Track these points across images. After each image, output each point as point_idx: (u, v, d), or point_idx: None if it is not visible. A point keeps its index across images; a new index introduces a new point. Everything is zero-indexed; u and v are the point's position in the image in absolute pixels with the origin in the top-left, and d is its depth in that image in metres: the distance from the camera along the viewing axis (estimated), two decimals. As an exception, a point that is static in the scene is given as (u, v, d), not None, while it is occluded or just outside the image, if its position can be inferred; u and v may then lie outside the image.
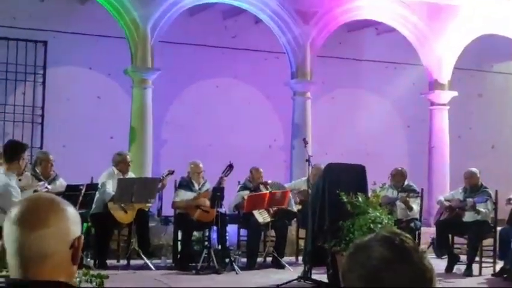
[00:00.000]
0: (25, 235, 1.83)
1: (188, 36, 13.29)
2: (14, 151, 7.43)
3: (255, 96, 14.29)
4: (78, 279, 5.64)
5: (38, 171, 9.11)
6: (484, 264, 9.61)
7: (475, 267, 9.52)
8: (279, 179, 11.46)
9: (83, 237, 1.93)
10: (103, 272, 6.52)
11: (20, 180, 7.58)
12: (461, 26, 13.66)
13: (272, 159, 13.36)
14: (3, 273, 6.20)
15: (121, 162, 9.77)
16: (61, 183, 9.16)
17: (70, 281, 1.90)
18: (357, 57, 14.63)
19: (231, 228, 10.01)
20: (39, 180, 8.84)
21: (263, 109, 14.30)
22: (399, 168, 10.31)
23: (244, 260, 9.72)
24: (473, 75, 15.39)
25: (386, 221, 7.84)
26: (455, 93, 13.86)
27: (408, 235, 1.84)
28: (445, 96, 13.83)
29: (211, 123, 13.58)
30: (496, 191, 9.73)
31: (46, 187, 8.46)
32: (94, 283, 5.99)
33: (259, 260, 9.95)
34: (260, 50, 13.82)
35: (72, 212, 1.91)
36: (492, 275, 9.32)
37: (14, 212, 1.88)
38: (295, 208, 10.37)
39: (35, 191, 8.03)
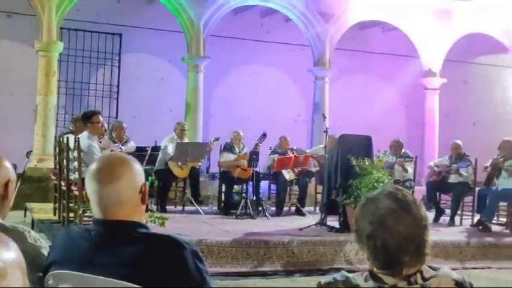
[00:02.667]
0: (103, 188, 1.83)
1: (232, 31, 13.24)
2: (84, 118, 7.52)
3: (284, 80, 14.23)
4: (145, 220, 5.72)
5: (113, 135, 9.19)
6: (464, 217, 9.54)
7: (457, 219, 9.45)
8: (302, 145, 11.44)
9: (148, 183, 1.94)
10: (164, 215, 6.58)
11: (100, 142, 7.64)
12: (451, 26, 13.50)
13: (297, 130, 13.34)
14: (88, 213, 6.33)
15: (177, 129, 9.83)
16: (132, 145, 9.23)
17: (140, 219, 1.92)
18: (366, 50, 14.47)
19: (264, 183, 10.01)
20: (115, 142, 8.91)
21: (290, 90, 14.25)
22: (397, 140, 10.22)
23: (273, 208, 9.73)
24: (460, 65, 15.14)
25: (387, 181, 7.78)
26: (444, 80, 13.74)
27: (408, 191, 1.83)
28: (436, 82, 13.72)
29: (250, 101, 13.58)
30: (476, 159, 9.62)
31: (120, 148, 8.54)
32: (157, 223, 6.06)
33: (285, 209, 9.95)
34: (289, 43, 13.72)
35: (136, 165, 1.92)
36: (471, 225, 9.23)
37: (91, 169, 1.88)
38: (314, 169, 10.36)
39: (112, 150, 8.11)
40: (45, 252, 2.11)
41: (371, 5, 12.90)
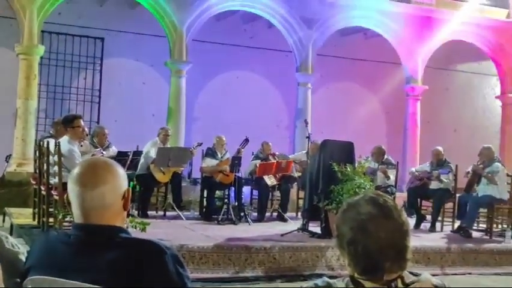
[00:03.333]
0: (87, 192, 1.82)
1: (215, 37, 13.25)
2: (65, 122, 7.46)
3: (267, 85, 14.26)
4: (125, 225, 5.67)
5: (95, 140, 9.08)
6: (445, 223, 9.59)
7: (438, 225, 9.51)
8: (284, 151, 11.45)
9: (130, 189, 1.93)
10: (145, 220, 6.54)
11: (81, 146, 7.57)
12: (432, 33, 13.60)
13: (279, 135, 13.36)
14: (68, 218, 6.27)
15: (161, 134, 9.77)
16: (113, 149, 9.13)
17: (121, 224, 1.91)
18: (348, 56, 14.55)
19: (246, 189, 9.98)
20: (96, 147, 8.83)
21: (273, 96, 14.28)
22: (378, 146, 10.23)
23: (255, 214, 9.72)
24: (441, 73, 15.31)
25: (368, 187, 7.79)
26: (426, 87, 13.83)
27: (389, 196, 1.83)
28: (418, 89, 13.82)
29: (232, 106, 13.57)
30: (457, 165, 9.69)
31: (101, 153, 8.47)
32: (138, 228, 6.02)
33: (267, 214, 9.94)
34: (272, 48, 13.75)
35: (121, 171, 1.90)
36: (451, 231, 9.29)
37: (75, 173, 1.86)
38: (296, 174, 10.36)
39: (93, 155, 8.04)
40: (23, 257, 2.08)
41: (354, 11, 12.97)
